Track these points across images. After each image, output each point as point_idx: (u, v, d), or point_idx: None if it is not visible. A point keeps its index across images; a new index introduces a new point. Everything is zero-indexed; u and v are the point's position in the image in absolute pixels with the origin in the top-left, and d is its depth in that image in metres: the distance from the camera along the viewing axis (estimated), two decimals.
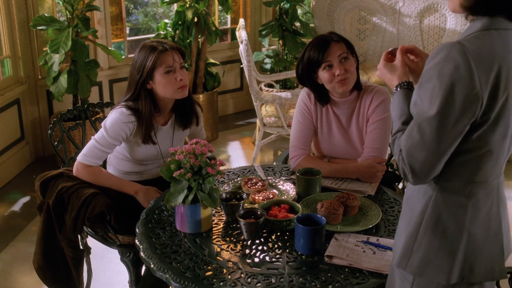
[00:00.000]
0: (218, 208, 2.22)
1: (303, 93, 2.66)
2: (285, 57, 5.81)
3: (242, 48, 4.63)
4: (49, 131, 2.81)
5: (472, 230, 1.51)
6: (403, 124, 1.55)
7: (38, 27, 4.39)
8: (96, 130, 3.00)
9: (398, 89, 1.64)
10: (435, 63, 1.41)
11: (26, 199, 4.34)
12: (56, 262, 2.53)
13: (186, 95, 2.56)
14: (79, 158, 2.54)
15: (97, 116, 3.87)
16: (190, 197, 2.01)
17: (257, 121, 4.99)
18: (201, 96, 5.42)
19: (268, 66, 5.85)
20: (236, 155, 5.32)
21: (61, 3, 4.43)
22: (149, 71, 2.46)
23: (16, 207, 4.22)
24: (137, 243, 2.02)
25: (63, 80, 4.47)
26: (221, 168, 2.06)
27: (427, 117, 1.42)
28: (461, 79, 1.37)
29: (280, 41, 5.83)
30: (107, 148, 2.52)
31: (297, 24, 5.82)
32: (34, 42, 4.81)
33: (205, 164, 2.01)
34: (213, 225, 2.13)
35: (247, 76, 4.63)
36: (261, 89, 5.18)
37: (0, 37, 4.60)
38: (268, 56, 5.85)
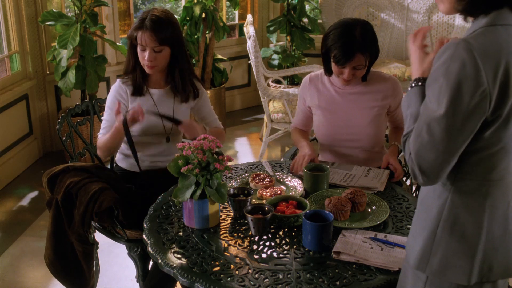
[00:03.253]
0: (226, 203, 2.22)
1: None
2: (292, 53, 5.80)
3: (250, 44, 4.62)
4: (57, 126, 2.82)
5: (490, 229, 1.49)
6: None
7: (46, 23, 4.40)
8: None
9: (413, 85, 1.61)
10: (442, 62, 1.39)
11: (34, 193, 4.36)
12: (66, 257, 2.54)
13: (152, 73, 2.66)
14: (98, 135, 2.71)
15: None
16: (198, 192, 2.01)
17: (265, 117, 4.99)
18: (208, 91, 5.42)
19: (275, 62, 5.85)
20: (243, 151, 5.32)
21: None
22: (133, 42, 2.60)
23: (25, 201, 4.24)
24: (145, 238, 2.02)
25: (71, 75, 4.48)
26: (229, 163, 2.05)
27: (435, 117, 1.40)
28: (467, 77, 1.35)
29: (288, 37, 5.82)
30: (112, 120, 2.64)
31: (305, 20, 5.81)
32: (42, 37, 4.82)
33: (213, 160, 2.01)
34: (221, 221, 2.13)
35: (254, 72, 4.62)
36: (268, 85, 5.17)
37: (9, 32, 4.61)
38: (275, 52, 5.84)
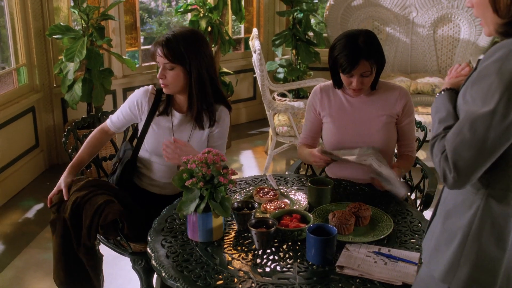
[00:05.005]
0: (230, 217, 2.22)
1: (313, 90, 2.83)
2: (298, 66, 5.82)
3: (255, 57, 4.65)
4: (63, 139, 2.83)
5: None
6: (446, 129, 1.50)
7: (53, 36, 4.45)
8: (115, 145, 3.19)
9: (442, 92, 1.62)
10: (494, 60, 1.38)
11: (39, 206, 4.37)
12: (78, 275, 2.54)
13: (168, 93, 2.60)
14: None
15: None
16: (202, 206, 2.02)
17: (270, 130, 5.00)
18: None
19: (281, 76, 5.87)
20: (248, 164, 5.32)
21: (76, 12, 4.48)
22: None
23: (30, 213, 4.26)
24: (149, 251, 2.03)
25: (78, 88, 4.51)
26: (233, 177, 2.06)
27: (480, 114, 1.37)
28: None
29: (293, 51, 5.85)
30: (121, 112, 2.69)
31: (310, 33, 5.84)
32: (49, 50, 4.86)
33: (217, 173, 2.01)
34: (225, 234, 2.13)
35: (260, 86, 4.64)
36: (274, 98, 5.19)
37: (16, 45, 4.66)
38: (281, 65, 5.86)
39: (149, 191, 2.74)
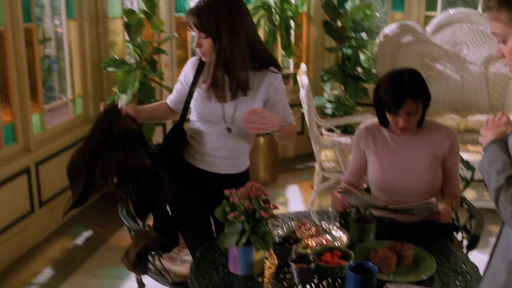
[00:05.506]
0: (271, 251, 2.24)
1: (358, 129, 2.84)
2: (346, 102, 5.83)
3: (302, 93, 4.69)
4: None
5: None
6: (508, 179, 1.48)
7: (108, 69, 4.61)
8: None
9: (490, 144, 1.62)
10: None
11: (89, 233, 4.48)
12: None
13: (207, 61, 2.48)
14: None
15: None
16: (243, 239, 2.05)
17: (316, 165, 5.00)
18: (261, 138, 5.50)
19: (329, 111, 5.88)
20: (294, 198, 5.32)
21: (131, 46, 4.65)
22: None
23: (79, 240, 4.37)
24: (190, 282, 2.06)
25: None
26: (276, 211, 2.09)
27: None
28: None
29: (342, 86, 5.86)
30: (175, 88, 2.71)
31: (359, 69, 5.86)
32: (104, 82, 5.05)
33: (259, 208, 2.04)
34: (265, 268, 2.15)
35: (307, 121, 4.67)
36: (321, 133, 5.21)
37: (73, 77, 4.85)
38: (329, 101, 5.88)
39: (200, 168, 2.62)
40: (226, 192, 2.11)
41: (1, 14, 3.82)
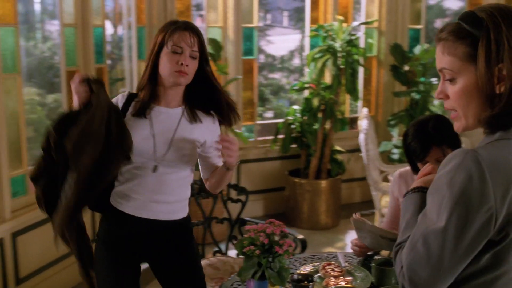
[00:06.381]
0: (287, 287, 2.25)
1: None
2: None
3: (361, 137, 4.68)
4: None
5: None
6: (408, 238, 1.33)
7: None
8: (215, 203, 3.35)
9: (411, 192, 1.47)
10: (447, 171, 1.26)
11: None
12: None
13: (182, 84, 2.25)
14: None
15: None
16: (258, 273, 2.09)
17: (376, 211, 4.93)
18: (323, 182, 5.50)
19: (395, 156, 5.80)
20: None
21: None
22: (158, 49, 2.23)
23: None
24: None
25: None
26: (290, 248, 2.11)
27: (434, 230, 1.24)
28: (473, 191, 1.20)
29: None
30: None
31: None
32: None
33: (274, 244, 2.08)
34: None
35: (365, 165, 4.64)
36: (387, 179, 5.13)
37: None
38: (396, 146, 5.81)
39: (134, 216, 2.30)
40: (246, 227, 2.17)
41: (75, 55, 4.13)
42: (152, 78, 2.25)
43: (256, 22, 5.57)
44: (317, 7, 5.92)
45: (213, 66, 4.88)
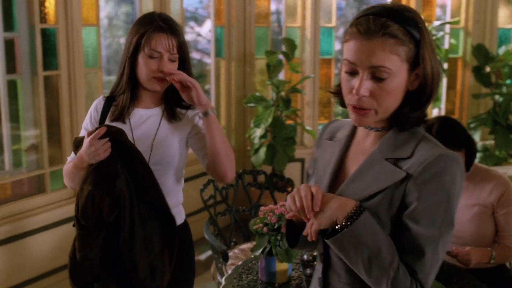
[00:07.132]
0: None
1: None
2: (496, 153, 5.56)
3: None
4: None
5: None
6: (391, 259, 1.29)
7: (248, 104, 5.09)
8: (274, 199, 3.57)
9: (361, 214, 1.30)
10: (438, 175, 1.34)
11: None
12: None
13: (160, 90, 2.13)
14: None
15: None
16: (266, 250, 2.27)
17: None
18: None
19: (476, 161, 5.66)
20: None
21: (270, 84, 5.08)
22: (133, 50, 2.10)
23: None
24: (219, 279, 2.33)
25: (262, 152, 5.05)
26: None
27: (443, 232, 1.34)
28: (460, 190, 1.38)
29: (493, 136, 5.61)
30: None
31: None
32: (247, 117, 5.53)
33: (283, 223, 2.25)
34: (291, 281, 2.33)
35: None
36: None
37: (220, 111, 5.42)
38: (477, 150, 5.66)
39: None
40: (262, 208, 2.37)
41: None
42: (130, 81, 2.14)
43: (334, 22, 5.69)
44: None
45: (286, 65, 5.13)
